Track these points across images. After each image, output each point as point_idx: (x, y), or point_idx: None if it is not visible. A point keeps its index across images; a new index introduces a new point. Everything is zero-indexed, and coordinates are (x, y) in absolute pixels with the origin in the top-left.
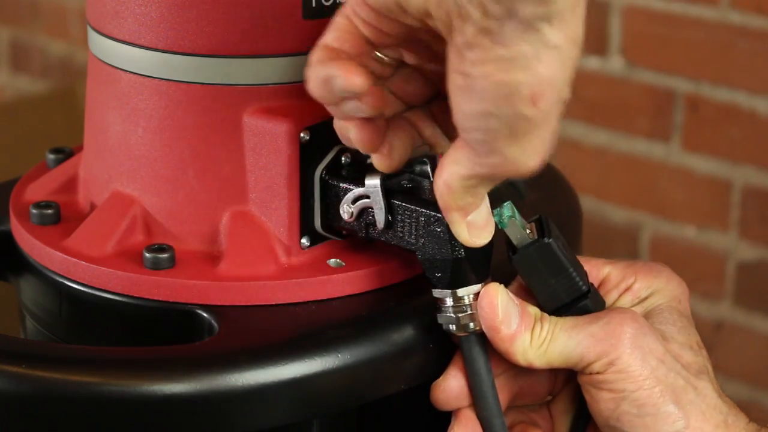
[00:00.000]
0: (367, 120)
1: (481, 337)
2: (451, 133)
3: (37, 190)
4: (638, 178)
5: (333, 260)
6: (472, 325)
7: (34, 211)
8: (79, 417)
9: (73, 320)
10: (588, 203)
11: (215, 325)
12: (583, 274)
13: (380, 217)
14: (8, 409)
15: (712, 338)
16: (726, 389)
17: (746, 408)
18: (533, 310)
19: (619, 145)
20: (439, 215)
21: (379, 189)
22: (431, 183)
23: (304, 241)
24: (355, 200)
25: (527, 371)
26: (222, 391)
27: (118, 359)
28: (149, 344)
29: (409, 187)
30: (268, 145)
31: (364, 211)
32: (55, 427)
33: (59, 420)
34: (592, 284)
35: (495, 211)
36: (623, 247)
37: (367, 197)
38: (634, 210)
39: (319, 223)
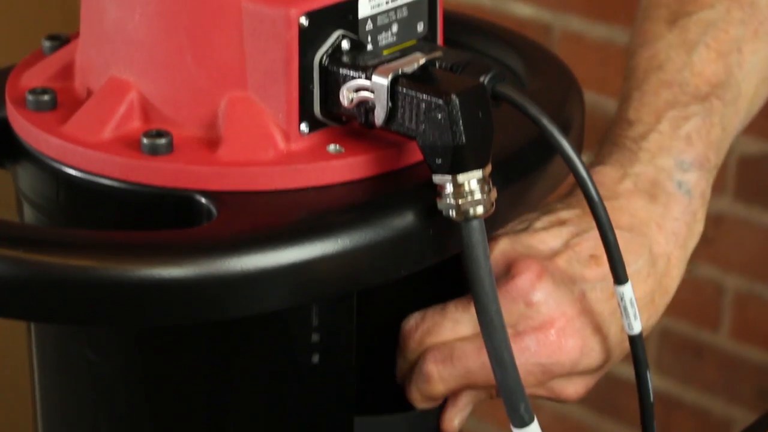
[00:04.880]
0: None
1: (481, 224)
2: None
3: (34, 76)
4: None
5: (332, 146)
6: (471, 211)
7: (30, 97)
8: (77, 301)
9: (70, 207)
10: (589, 97)
11: (213, 210)
12: None
13: (381, 113)
14: (5, 294)
15: (713, 232)
16: (726, 282)
17: (745, 300)
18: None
19: (621, 39)
20: (440, 101)
21: (386, 89)
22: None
23: (303, 127)
24: (357, 89)
25: None
26: (220, 275)
27: (116, 243)
28: (147, 230)
29: (410, 73)
30: (267, 31)
31: (365, 100)
32: (53, 311)
33: (56, 304)
34: None
35: None
36: None
37: (371, 90)
38: None
39: (319, 109)
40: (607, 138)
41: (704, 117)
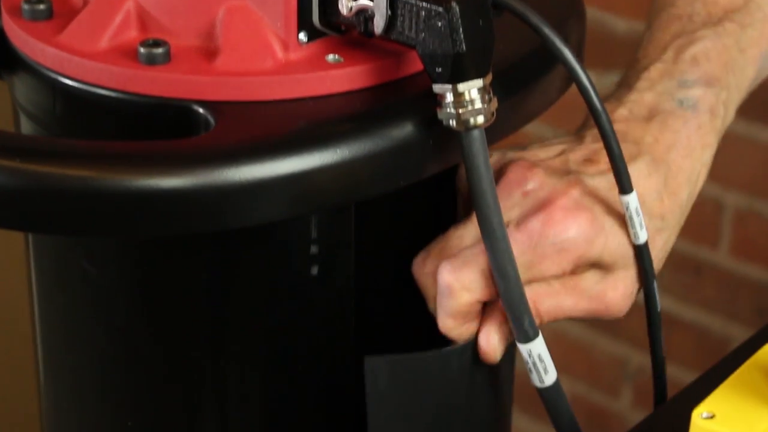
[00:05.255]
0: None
1: (481, 133)
2: None
3: None
4: None
5: (331, 56)
6: (472, 120)
7: (26, 6)
8: (74, 211)
9: (67, 117)
10: (591, 14)
11: (211, 120)
12: None
13: (381, 22)
14: (3, 204)
15: None
16: (725, 198)
17: (745, 217)
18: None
19: None
20: (440, 9)
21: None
22: None
23: (302, 36)
24: None
25: None
26: (218, 185)
27: (114, 153)
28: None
29: None
30: None
31: (364, 8)
32: (50, 222)
33: (54, 214)
34: None
35: None
36: (624, 57)
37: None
38: (636, 20)
39: (317, 17)
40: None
41: (714, 39)
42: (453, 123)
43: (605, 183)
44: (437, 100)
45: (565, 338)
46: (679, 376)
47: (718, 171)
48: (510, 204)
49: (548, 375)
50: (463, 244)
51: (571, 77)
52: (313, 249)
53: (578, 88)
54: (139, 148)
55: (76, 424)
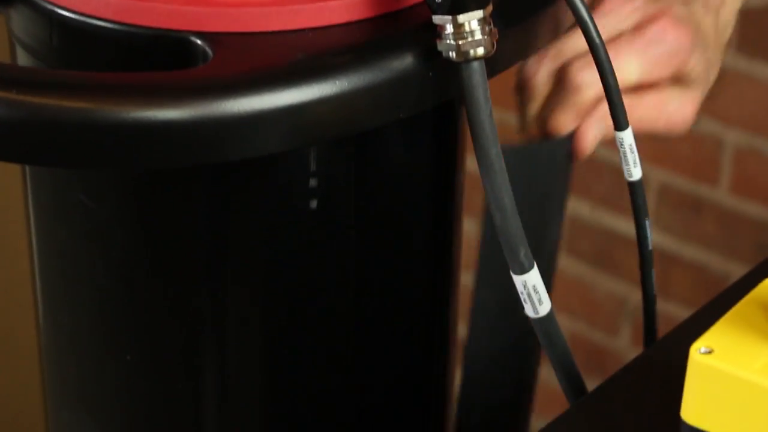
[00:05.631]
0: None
1: (481, 65)
2: None
3: None
4: None
5: None
6: (472, 52)
7: None
8: (72, 144)
9: (64, 49)
10: None
11: (209, 52)
12: None
13: None
14: (0, 136)
15: (714, 86)
16: (725, 136)
17: (745, 155)
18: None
19: None
20: None
21: None
22: None
23: None
24: None
25: None
26: (217, 117)
27: (111, 85)
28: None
29: None
30: None
31: None
32: (47, 154)
33: (51, 147)
34: None
35: None
36: None
37: None
38: None
39: None
40: None
41: None
42: (453, 54)
43: (690, 13)
44: (437, 31)
45: (564, 277)
46: (678, 313)
47: (719, 108)
48: (620, 18)
49: (542, 306)
50: (577, 48)
51: (570, 8)
52: (312, 182)
53: (576, 20)
54: (137, 79)
55: (74, 359)
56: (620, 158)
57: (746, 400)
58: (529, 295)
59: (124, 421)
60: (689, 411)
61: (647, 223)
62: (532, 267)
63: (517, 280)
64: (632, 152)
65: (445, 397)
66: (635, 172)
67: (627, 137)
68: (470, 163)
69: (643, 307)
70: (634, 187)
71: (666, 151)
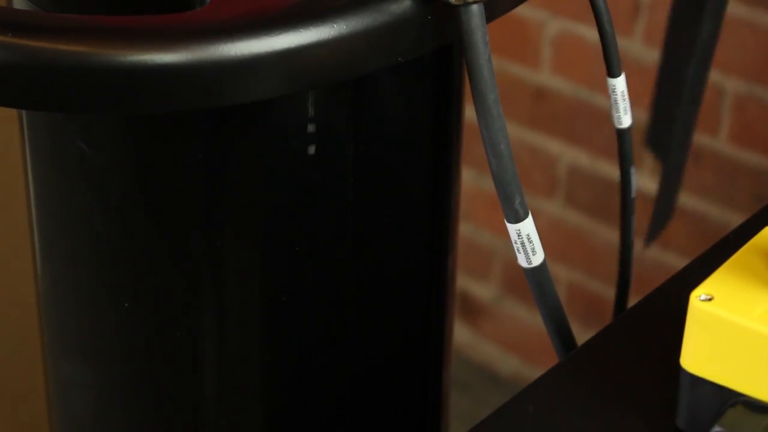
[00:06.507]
0: None
1: (480, 9)
2: None
3: None
4: None
5: None
6: None
7: None
8: (68, 87)
9: None
10: None
11: None
12: None
13: None
14: None
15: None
16: (725, 84)
17: (745, 103)
18: None
19: None
20: None
21: None
22: None
23: None
24: None
25: None
26: (214, 60)
27: (108, 28)
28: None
29: None
30: None
31: None
32: (43, 99)
33: (46, 90)
34: None
35: None
36: None
37: None
38: None
39: None
40: None
41: None
42: None
43: None
44: None
45: (563, 226)
46: (677, 263)
47: (718, 57)
48: None
49: (536, 256)
50: None
51: None
52: (310, 128)
53: None
54: (134, 22)
55: (72, 307)
56: (611, 105)
57: (746, 348)
58: (522, 244)
59: (123, 370)
60: (689, 359)
61: (632, 170)
62: (527, 216)
63: (511, 228)
64: (624, 99)
65: (443, 346)
66: (625, 120)
67: (620, 84)
68: (470, 114)
69: (619, 253)
70: (622, 135)
71: None
